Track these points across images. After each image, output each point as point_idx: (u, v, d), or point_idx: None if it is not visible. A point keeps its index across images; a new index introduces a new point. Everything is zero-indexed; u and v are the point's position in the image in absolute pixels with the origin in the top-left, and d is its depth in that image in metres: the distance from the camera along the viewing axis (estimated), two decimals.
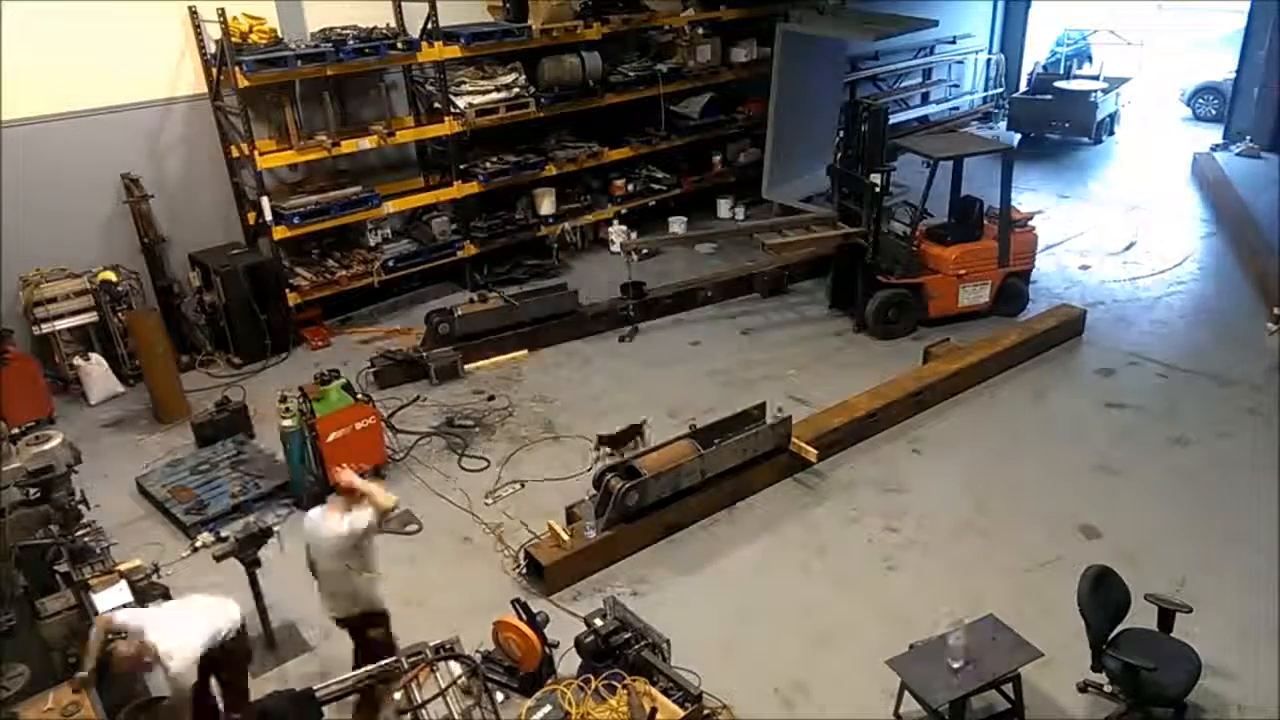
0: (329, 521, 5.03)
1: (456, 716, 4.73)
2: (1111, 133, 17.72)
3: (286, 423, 7.36)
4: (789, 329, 10.52)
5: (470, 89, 11.03)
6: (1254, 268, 11.24)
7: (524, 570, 6.68)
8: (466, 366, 9.62)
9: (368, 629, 5.29)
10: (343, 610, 5.25)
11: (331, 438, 7.39)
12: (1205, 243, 12.51)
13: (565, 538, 6.67)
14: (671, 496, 7.04)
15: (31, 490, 5.69)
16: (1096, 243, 12.50)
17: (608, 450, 7.39)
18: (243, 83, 9.27)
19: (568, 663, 5.58)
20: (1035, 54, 19.85)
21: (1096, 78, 18.18)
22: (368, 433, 7.64)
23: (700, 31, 13.17)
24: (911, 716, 5.36)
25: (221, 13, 9.11)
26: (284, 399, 7.41)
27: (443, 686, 4.80)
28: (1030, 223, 10.44)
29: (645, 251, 12.53)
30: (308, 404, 7.42)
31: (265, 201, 9.83)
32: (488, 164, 11.46)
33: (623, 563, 6.78)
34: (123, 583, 5.31)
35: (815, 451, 7.59)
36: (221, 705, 4.92)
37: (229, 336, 9.97)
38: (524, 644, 5.46)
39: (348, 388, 7.67)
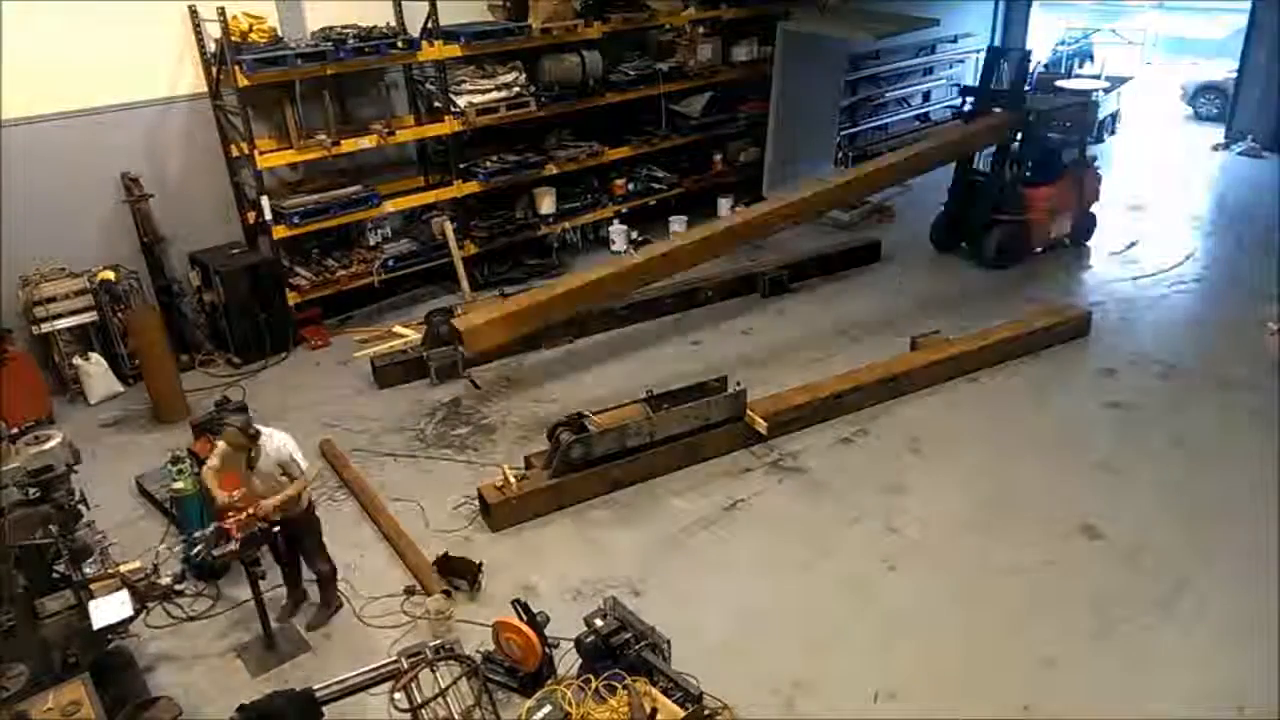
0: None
1: (456, 716, 4.72)
2: (1113, 132, 17.69)
3: (179, 485, 6.60)
4: (789, 330, 10.49)
5: (470, 88, 11.02)
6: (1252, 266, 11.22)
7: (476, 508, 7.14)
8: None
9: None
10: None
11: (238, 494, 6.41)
12: (1206, 242, 12.50)
13: (513, 483, 7.20)
14: (619, 453, 7.54)
15: (31, 490, 5.68)
16: (1098, 242, 12.48)
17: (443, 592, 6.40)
18: (243, 82, 9.27)
19: (568, 663, 5.58)
20: (1036, 53, 19.80)
21: (1098, 77, 18.15)
22: None
23: (701, 30, 13.15)
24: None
25: (221, 12, 9.11)
26: (176, 460, 6.72)
27: (443, 686, 4.79)
28: None
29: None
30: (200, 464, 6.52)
31: (265, 201, 9.83)
32: (488, 163, 11.45)
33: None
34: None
35: (765, 424, 7.97)
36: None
37: (229, 336, 9.96)
38: (524, 644, 5.46)
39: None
